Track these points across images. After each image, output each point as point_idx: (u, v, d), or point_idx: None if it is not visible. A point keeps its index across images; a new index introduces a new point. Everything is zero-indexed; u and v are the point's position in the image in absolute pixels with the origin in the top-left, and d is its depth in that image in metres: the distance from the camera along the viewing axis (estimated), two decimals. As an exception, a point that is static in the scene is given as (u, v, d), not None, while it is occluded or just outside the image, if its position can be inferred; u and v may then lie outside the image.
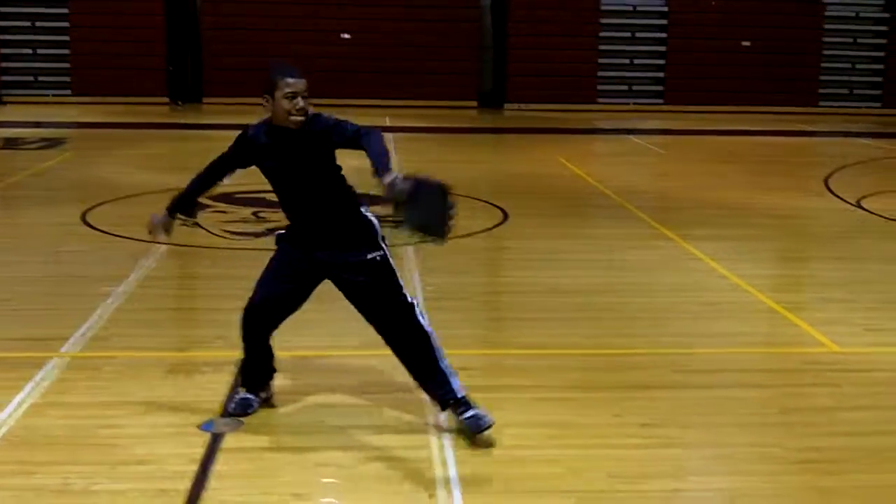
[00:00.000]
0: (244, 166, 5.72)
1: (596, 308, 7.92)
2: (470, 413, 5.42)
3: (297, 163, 5.41)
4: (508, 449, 5.40)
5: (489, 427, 5.38)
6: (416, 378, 5.60)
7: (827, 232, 11.64)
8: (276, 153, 5.46)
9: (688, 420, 5.84)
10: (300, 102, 5.36)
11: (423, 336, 5.52)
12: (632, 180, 15.04)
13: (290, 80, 5.43)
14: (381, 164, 5.11)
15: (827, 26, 28.01)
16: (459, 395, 5.47)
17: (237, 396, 5.80)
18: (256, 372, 5.82)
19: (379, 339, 6.97)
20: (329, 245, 5.49)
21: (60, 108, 24.79)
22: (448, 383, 5.48)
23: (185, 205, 6.06)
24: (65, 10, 26.32)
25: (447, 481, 4.97)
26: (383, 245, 5.56)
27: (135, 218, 11.35)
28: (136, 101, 25.45)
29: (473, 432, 5.38)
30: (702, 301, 8.48)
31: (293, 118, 5.36)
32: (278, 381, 6.29)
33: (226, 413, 5.70)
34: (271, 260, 5.69)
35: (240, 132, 5.71)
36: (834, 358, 7.00)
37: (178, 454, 5.20)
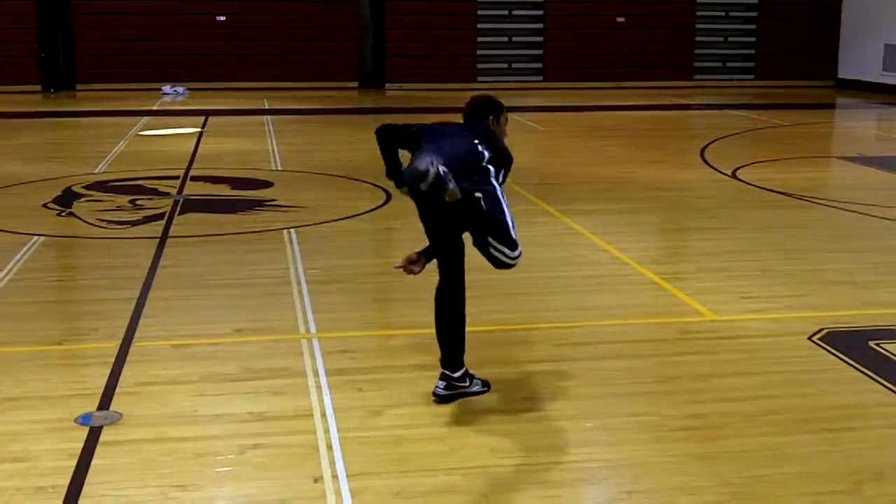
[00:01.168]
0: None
1: (479, 285, 7.91)
2: None
3: None
4: (393, 429, 5.40)
5: None
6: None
7: (703, 203, 11.83)
8: None
9: (569, 392, 5.90)
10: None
11: None
12: (514, 157, 15.09)
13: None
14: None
15: (699, 0, 28.42)
16: None
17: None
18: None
19: (254, 324, 7.01)
20: None
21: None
22: None
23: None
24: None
25: (332, 464, 4.95)
26: None
27: (8, 210, 11.13)
28: (8, 91, 24.83)
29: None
30: (583, 275, 8.57)
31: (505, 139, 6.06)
32: (155, 371, 6.23)
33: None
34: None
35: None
36: (710, 326, 7.14)
37: (56, 450, 5.10)
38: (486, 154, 5.68)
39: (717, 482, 4.77)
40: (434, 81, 26.79)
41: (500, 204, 5.53)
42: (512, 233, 5.51)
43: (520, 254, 5.54)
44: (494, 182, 5.61)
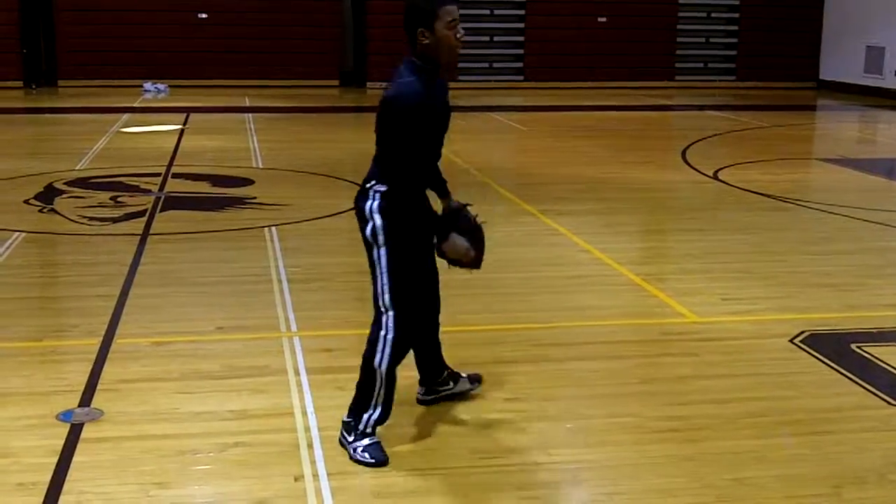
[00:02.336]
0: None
1: (458, 285, 7.92)
2: None
3: (446, 104, 5.18)
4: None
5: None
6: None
7: (685, 204, 11.86)
8: (438, 100, 5.07)
9: (550, 393, 5.91)
10: (461, 30, 4.99)
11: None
12: (494, 157, 15.15)
13: (450, 8, 4.94)
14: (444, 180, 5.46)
15: (681, 1, 28.47)
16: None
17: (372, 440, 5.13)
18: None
19: (235, 322, 6.98)
20: None
21: None
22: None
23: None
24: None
25: (313, 463, 4.95)
26: None
27: (-12, 206, 11.09)
28: (-10, 86, 24.74)
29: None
30: (564, 275, 8.59)
31: (457, 51, 4.99)
32: (136, 368, 6.21)
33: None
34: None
35: (406, 103, 4.83)
36: (692, 328, 7.15)
37: (36, 446, 5.08)
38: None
39: (699, 484, 4.78)
40: (416, 80, 26.74)
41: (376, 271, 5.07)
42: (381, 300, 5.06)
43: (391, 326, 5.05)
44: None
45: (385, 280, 4.99)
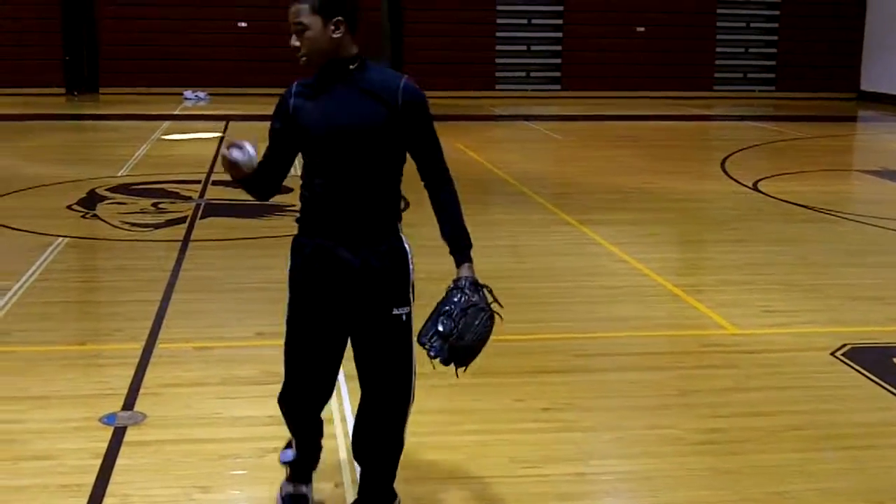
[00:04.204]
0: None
1: (496, 294, 7.95)
2: None
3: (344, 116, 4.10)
4: (413, 437, 5.38)
5: None
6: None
7: (724, 215, 11.82)
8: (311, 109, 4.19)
9: (588, 404, 5.91)
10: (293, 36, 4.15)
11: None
12: (531, 166, 15.14)
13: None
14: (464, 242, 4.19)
15: (720, 10, 28.38)
16: None
17: (287, 489, 4.56)
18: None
19: (275, 328, 6.96)
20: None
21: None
22: None
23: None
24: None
25: (353, 469, 4.96)
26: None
27: (32, 211, 11.20)
28: (33, 93, 24.96)
29: None
30: (602, 285, 8.58)
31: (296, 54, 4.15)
32: (177, 372, 6.26)
33: None
34: None
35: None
36: (732, 339, 7.13)
37: (80, 449, 5.13)
38: None
39: (739, 497, 4.76)
40: (452, 89, 26.78)
41: None
42: None
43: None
44: None
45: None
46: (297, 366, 4.25)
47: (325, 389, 4.31)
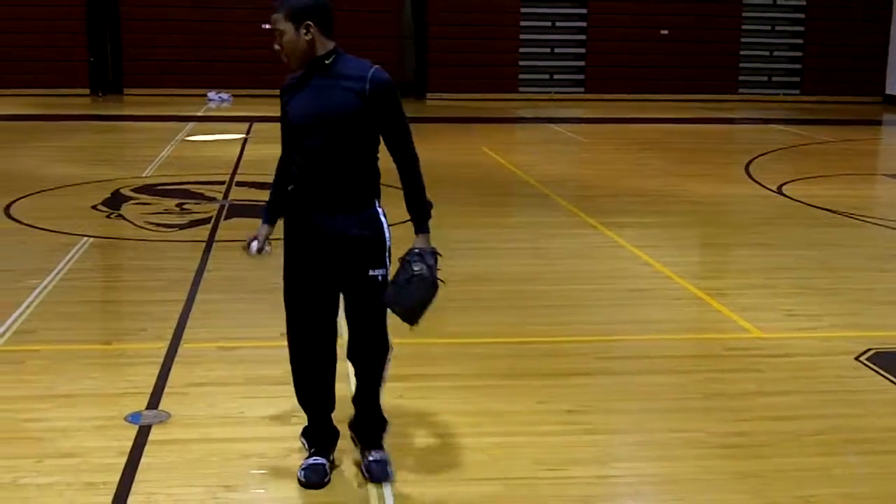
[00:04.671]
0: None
1: (520, 296, 7.96)
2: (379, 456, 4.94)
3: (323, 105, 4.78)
4: (434, 438, 5.43)
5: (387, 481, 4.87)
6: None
7: (748, 218, 11.79)
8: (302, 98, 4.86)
9: (612, 406, 5.90)
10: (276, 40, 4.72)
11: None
12: (554, 169, 15.13)
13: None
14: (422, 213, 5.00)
15: (745, 14, 28.33)
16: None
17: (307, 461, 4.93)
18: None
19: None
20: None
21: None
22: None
23: None
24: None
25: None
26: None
27: (58, 210, 11.26)
28: (58, 94, 25.11)
29: (375, 479, 4.86)
30: (625, 288, 8.57)
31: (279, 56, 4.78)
32: (202, 372, 6.29)
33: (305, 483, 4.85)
34: None
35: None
36: (756, 343, 7.11)
37: (106, 447, 5.16)
38: None
39: (762, 501, 4.75)
40: (476, 91, 26.84)
41: None
42: None
43: None
44: None
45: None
46: (294, 315, 4.81)
47: (324, 341, 4.84)
